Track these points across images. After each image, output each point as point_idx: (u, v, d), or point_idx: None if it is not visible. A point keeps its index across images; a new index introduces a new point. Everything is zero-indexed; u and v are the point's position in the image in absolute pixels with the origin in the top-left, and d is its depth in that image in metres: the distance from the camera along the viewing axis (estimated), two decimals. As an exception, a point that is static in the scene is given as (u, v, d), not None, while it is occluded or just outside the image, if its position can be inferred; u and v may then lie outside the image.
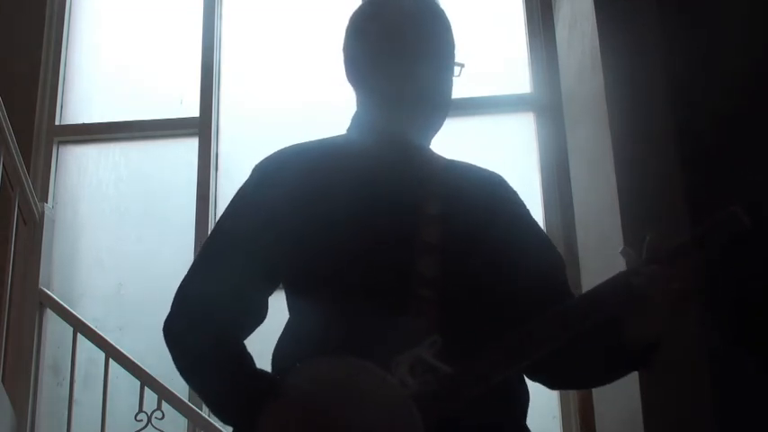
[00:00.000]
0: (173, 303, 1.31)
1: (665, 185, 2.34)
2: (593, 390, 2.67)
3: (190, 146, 3.62)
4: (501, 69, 3.62)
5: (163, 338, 1.30)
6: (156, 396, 2.97)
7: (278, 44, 3.79)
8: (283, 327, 1.34)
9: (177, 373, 1.28)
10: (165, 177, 3.64)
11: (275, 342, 1.32)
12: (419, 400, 1.11)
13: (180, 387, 3.02)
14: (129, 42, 3.85)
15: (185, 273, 1.34)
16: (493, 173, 1.48)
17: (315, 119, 3.51)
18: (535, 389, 1.34)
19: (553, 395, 3.06)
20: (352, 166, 1.35)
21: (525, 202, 1.46)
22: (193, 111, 3.66)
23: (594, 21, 2.66)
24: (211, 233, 1.38)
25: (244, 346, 1.27)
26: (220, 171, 3.59)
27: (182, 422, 3.03)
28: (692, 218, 2.25)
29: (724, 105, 2.34)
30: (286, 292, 1.36)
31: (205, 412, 3.05)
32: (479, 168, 1.48)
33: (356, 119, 1.45)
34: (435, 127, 1.42)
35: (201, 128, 3.62)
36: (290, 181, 1.33)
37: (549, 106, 3.49)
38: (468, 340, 1.18)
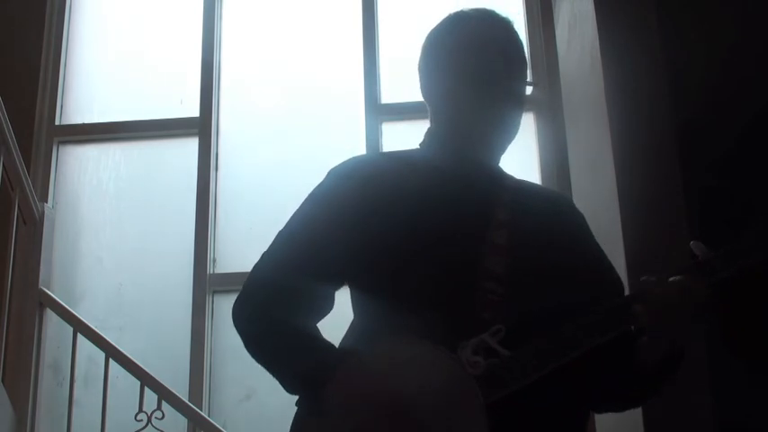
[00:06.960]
0: (243, 287, 1.36)
1: (664, 185, 2.34)
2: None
3: (190, 146, 3.61)
4: (501, 69, 3.62)
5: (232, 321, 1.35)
6: (156, 396, 2.96)
7: (278, 44, 3.78)
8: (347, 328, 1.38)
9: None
10: (165, 177, 3.63)
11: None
12: (482, 381, 1.17)
13: (180, 387, 3.01)
14: (129, 42, 3.85)
15: (258, 259, 1.38)
16: (562, 193, 1.62)
17: (315, 119, 3.52)
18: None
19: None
20: (425, 173, 1.41)
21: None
22: (193, 111, 3.66)
23: (594, 21, 2.66)
24: (286, 226, 1.41)
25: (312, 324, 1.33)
26: (220, 171, 3.59)
27: (182, 422, 3.03)
28: (692, 218, 2.25)
29: (724, 105, 2.34)
30: (353, 291, 1.39)
31: (205, 412, 3.06)
32: (549, 188, 1.63)
33: (430, 135, 1.50)
34: (506, 148, 1.52)
35: (201, 128, 3.61)
36: (365, 182, 1.39)
37: (549, 106, 3.49)
38: (527, 334, 1.23)
